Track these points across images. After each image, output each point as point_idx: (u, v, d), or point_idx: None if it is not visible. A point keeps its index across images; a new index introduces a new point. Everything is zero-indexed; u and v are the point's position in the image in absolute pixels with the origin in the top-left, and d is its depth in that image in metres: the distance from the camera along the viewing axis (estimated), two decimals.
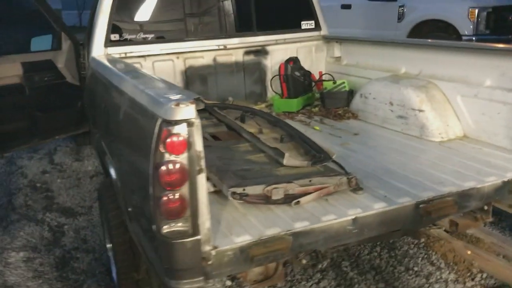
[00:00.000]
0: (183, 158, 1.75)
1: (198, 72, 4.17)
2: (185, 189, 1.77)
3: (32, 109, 4.35)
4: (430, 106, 3.24)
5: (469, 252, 3.20)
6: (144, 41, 3.97)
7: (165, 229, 1.80)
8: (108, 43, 3.81)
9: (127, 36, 3.92)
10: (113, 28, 3.83)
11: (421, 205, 2.27)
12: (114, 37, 3.85)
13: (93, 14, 4.22)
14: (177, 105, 1.72)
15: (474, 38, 8.16)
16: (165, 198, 1.76)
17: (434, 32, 8.56)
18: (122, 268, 2.66)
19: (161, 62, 4.01)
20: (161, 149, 1.74)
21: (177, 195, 1.76)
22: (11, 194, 4.65)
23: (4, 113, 4.16)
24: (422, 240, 3.38)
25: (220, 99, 4.17)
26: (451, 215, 2.51)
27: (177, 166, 1.74)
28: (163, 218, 1.79)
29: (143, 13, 4.02)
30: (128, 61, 3.64)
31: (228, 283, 3.02)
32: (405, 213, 2.26)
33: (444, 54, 3.40)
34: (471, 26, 8.43)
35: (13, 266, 3.33)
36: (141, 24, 4.00)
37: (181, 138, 1.73)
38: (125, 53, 3.87)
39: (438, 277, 3.03)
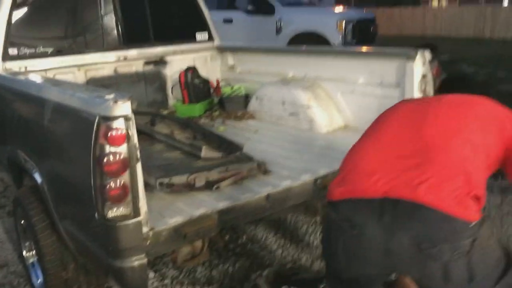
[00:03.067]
0: (123, 149, 2.00)
1: (100, 83, 4.28)
2: (126, 177, 2.02)
3: None
4: (316, 103, 3.79)
5: None
6: (44, 55, 4.01)
7: (110, 213, 2.02)
8: (7, 57, 3.79)
9: (25, 50, 3.93)
10: (10, 42, 3.82)
11: (318, 180, 2.74)
12: (12, 51, 3.85)
13: None
14: (116, 102, 1.97)
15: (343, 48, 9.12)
16: (108, 186, 1.99)
17: (309, 44, 9.42)
18: (51, 269, 2.74)
19: (62, 75, 4.08)
20: (102, 142, 1.97)
21: (119, 182, 2.00)
22: None
23: None
24: (319, 217, 3.90)
25: None
26: None
27: (118, 156, 1.99)
28: (107, 204, 2.01)
29: (40, 27, 4.05)
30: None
31: (151, 274, 3.23)
32: (307, 187, 2.72)
33: (324, 59, 3.99)
34: (340, 37, 9.43)
35: None
36: (39, 38, 4.02)
37: (120, 132, 1.99)
38: (25, 67, 3.88)
39: None
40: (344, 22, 9.45)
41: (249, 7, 10.06)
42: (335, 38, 9.37)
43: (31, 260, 3.14)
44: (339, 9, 11.25)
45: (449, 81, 2.42)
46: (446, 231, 1.58)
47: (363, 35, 9.84)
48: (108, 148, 1.98)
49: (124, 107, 1.99)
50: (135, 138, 2.05)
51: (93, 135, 2.01)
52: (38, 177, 2.67)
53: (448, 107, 1.91)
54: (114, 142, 1.98)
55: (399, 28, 23.07)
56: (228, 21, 10.33)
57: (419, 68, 3.17)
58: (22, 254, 3.24)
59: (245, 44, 5.01)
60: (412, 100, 2.29)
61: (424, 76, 3.17)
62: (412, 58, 3.18)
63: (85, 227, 2.29)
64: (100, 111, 2.01)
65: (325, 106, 3.80)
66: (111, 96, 2.06)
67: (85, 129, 2.07)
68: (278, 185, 2.64)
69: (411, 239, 1.61)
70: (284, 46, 9.37)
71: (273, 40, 9.73)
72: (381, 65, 3.48)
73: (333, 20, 9.50)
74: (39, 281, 3.04)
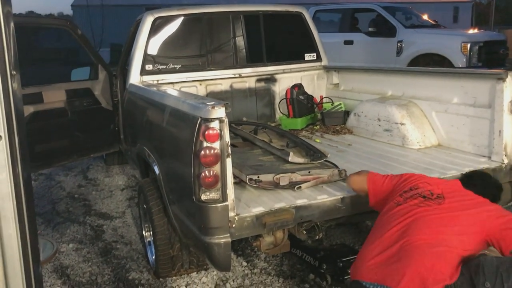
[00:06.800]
0: (216, 145, 2.47)
1: (217, 97, 4.89)
2: (217, 168, 2.48)
3: (72, 129, 5.10)
4: (410, 120, 3.95)
5: None
6: (173, 70, 4.74)
7: (203, 197, 2.50)
8: (144, 72, 4.58)
9: (158, 66, 4.70)
10: (147, 59, 4.61)
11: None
12: (148, 67, 4.63)
13: (128, 50, 5.04)
14: (213, 107, 2.46)
15: None
16: (203, 174, 2.47)
17: (430, 65, 9.28)
18: (160, 246, 3.31)
19: (186, 88, 4.77)
20: (201, 138, 2.46)
21: (212, 172, 2.47)
22: (54, 203, 5.36)
23: (50, 133, 4.91)
24: None
25: (236, 119, 4.90)
26: None
27: (212, 151, 2.46)
28: (202, 189, 2.49)
29: (172, 48, 4.78)
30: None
31: (244, 263, 3.66)
32: None
33: (421, 78, 4.15)
34: (464, 59, 9.15)
35: (66, 254, 4.02)
36: (170, 57, 4.76)
37: (215, 131, 2.46)
38: (157, 80, 4.63)
39: None
40: (469, 44, 9.16)
41: (370, 29, 10.25)
42: (459, 60, 9.14)
43: (148, 239, 3.78)
44: (467, 31, 10.91)
45: (469, 176, 2.66)
46: None
47: (490, 58, 9.45)
48: (205, 144, 2.46)
49: (219, 112, 2.47)
50: (227, 137, 2.50)
51: (195, 132, 2.51)
52: (156, 169, 3.27)
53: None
54: (210, 139, 2.46)
55: None
56: (349, 42, 10.63)
57: (509, 90, 3.22)
58: (142, 234, 3.90)
59: (350, 65, 5.31)
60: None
61: None
62: (502, 79, 3.24)
63: (186, 209, 2.80)
64: (202, 114, 2.51)
65: (419, 124, 3.94)
66: (211, 103, 2.55)
67: (190, 128, 2.58)
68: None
69: None
70: (404, 66, 9.38)
71: (393, 62, 9.78)
72: (474, 86, 3.56)
73: (457, 42, 9.27)
74: (153, 257, 3.64)
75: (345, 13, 11.28)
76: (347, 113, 4.73)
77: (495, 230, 2.21)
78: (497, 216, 2.26)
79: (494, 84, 3.32)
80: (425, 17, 11.45)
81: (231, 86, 5.00)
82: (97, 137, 5.37)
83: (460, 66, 9.10)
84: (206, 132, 2.45)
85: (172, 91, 3.58)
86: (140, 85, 4.27)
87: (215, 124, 2.47)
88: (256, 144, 3.80)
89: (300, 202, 2.78)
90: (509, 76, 3.22)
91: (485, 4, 38.42)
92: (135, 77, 4.56)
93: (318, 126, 4.81)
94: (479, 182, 2.56)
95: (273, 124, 4.98)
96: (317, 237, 2.96)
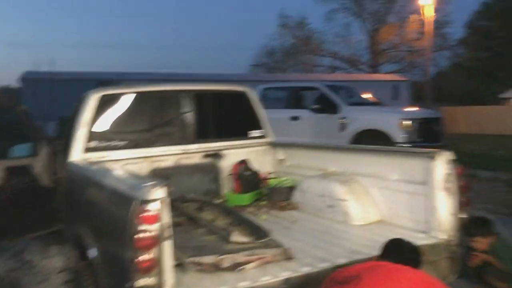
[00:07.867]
0: (154, 227, 2.39)
1: (163, 173, 4.83)
2: (155, 251, 2.39)
3: (9, 208, 4.85)
4: (352, 197, 4.02)
5: None
6: (118, 147, 4.66)
7: (140, 283, 2.38)
8: (86, 149, 4.48)
9: (102, 143, 4.61)
10: (90, 137, 4.52)
11: (336, 269, 2.93)
12: (91, 144, 4.53)
13: (71, 126, 4.95)
14: (152, 188, 2.41)
15: (408, 146, 9.19)
16: (139, 258, 2.37)
17: (372, 141, 9.63)
18: None
19: (131, 165, 4.68)
20: (137, 221, 2.38)
21: (149, 256, 2.38)
22: None
23: None
24: None
25: (181, 195, 4.80)
26: None
27: (150, 234, 2.38)
28: (137, 274, 2.37)
29: (117, 125, 4.73)
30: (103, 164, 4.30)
31: None
32: (325, 274, 2.90)
33: (362, 156, 4.29)
34: (402, 135, 9.55)
35: None
36: (114, 134, 4.71)
37: (152, 213, 2.40)
38: (101, 158, 4.53)
39: None
40: (407, 121, 9.62)
41: (314, 106, 10.64)
42: (398, 136, 9.52)
43: None
44: (405, 108, 11.51)
45: (386, 245, 2.76)
46: None
47: (428, 134, 9.94)
48: (141, 226, 2.38)
49: (158, 193, 2.42)
50: (166, 219, 2.44)
51: (131, 214, 2.43)
52: (92, 252, 3.11)
53: None
54: (147, 221, 2.39)
55: (480, 126, 22.71)
56: (295, 118, 10.95)
57: (441, 167, 3.37)
58: None
59: (294, 141, 5.48)
60: None
61: (447, 175, 3.35)
62: (434, 158, 3.40)
63: None
64: (139, 195, 2.45)
65: (361, 200, 4.02)
66: (150, 183, 2.51)
67: (126, 210, 2.50)
68: (298, 271, 2.88)
69: None
70: (346, 143, 9.67)
71: (337, 137, 10.07)
72: (410, 164, 3.71)
73: (396, 119, 9.71)
74: None
75: (291, 91, 11.73)
76: (293, 189, 4.76)
77: None
78: (418, 283, 2.27)
79: (427, 162, 3.48)
80: (366, 95, 12.08)
81: (177, 162, 4.96)
82: (35, 216, 5.12)
83: (399, 142, 9.48)
84: (143, 214, 2.39)
85: (111, 169, 3.51)
86: (79, 163, 4.17)
87: (153, 206, 2.41)
88: (200, 223, 3.73)
89: (242, 284, 2.70)
90: (439, 155, 3.39)
91: (421, 83, 41.16)
92: (76, 155, 4.44)
93: (264, 202, 4.80)
94: (395, 250, 2.64)
95: (219, 200, 4.94)
96: None
